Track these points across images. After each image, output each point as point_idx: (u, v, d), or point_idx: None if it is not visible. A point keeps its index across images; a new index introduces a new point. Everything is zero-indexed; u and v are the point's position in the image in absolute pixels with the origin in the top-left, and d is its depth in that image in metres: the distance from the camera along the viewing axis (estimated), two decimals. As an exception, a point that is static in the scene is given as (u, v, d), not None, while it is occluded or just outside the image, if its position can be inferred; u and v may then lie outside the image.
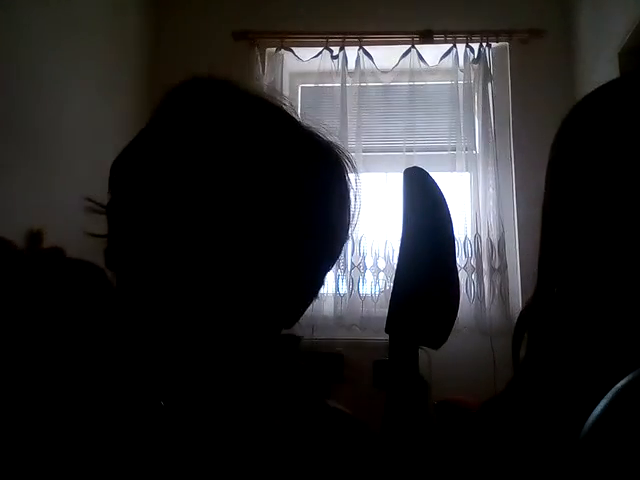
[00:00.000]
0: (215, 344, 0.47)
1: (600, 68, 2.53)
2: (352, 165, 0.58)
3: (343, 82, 2.94)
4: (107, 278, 0.52)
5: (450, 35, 2.92)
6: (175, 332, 0.46)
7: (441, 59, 2.94)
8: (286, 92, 2.97)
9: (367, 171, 2.82)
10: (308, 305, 0.57)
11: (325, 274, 0.58)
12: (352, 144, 2.87)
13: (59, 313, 0.46)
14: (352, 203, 0.58)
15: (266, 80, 2.93)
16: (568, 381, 0.56)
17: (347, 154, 0.58)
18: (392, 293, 1.14)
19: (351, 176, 0.57)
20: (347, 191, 0.57)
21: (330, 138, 0.57)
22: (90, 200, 0.53)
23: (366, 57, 2.95)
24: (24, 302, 0.45)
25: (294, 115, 0.54)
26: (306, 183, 0.52)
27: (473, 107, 2.91)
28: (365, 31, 2.94)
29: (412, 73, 2.94)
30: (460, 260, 2.69)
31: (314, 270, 0.57)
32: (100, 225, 0.54)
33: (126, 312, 0.49)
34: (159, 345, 0.47)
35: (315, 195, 0.53)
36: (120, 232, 0.51)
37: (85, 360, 0.46)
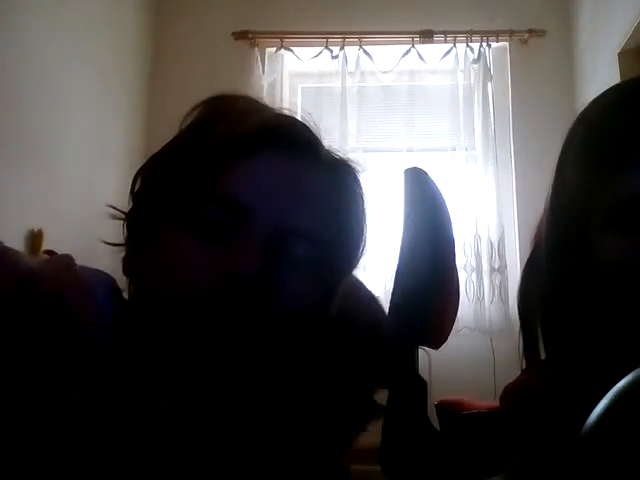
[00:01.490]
0: (219, 359, 0.47)
1: (600, 68, 2.53)
2: (362, 174, 0.59)
3: (343, 82, 2.93)
4: (117, 287, 0.52)
5: (450, 35, 2.92)
6: (184, 341, 0.46)
7: (441, 59, 2.94)
8: (286, 92, 2.97)
9: (367, 171, 2.81)
10: None
11: None
12: (352, 144, 2.86)
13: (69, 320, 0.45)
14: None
15: (266, 80, 2.93)
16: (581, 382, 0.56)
17: (360, 167, 0.59)
18: (392, 293, 1.14)
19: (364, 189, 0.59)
20: (366, 210, 0.59)
21: (340, 151, 0.58)
22: (111, 207, 0.54)
23: (366, 57, 2.95)
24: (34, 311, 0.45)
25: (319, 135, 0.55)
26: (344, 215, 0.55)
27: (473, 107, 2.91)
28: (365, 31, 2.93)
29: (412, 73, 2.94)
30: (460, 260, 2.69)
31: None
32: (102, 227, 0.55)
33: (138, 319, 0.49)
34: (166, 352, 0.47)
35: (350, 226, 0.56)
36: (141, 240, 0.51)
37: (90, 363, 0.45)
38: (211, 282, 0.45)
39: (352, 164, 0.58)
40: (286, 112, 0.56)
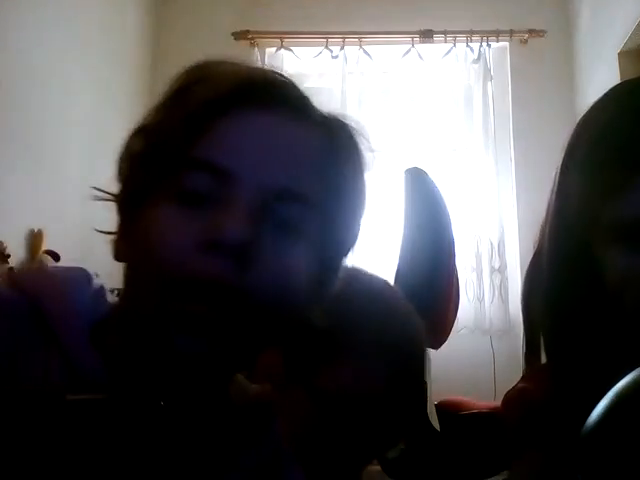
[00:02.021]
0: (216, 350, 0.45)
1: (600, 68, 2.53)
2: (366, 138, 0.54)
3: (343, 82, 2.94)
4: (98, 283, 0.51)
5: (450, 35, 2.92)
6: (170, 317, 0.43)
7: (441, 59, 2.94)
8: (286, 92, 2.97)
9: (365, 129, 2.81)
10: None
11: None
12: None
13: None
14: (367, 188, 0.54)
15: (266, 80, 2.93)
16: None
17: (360, 126, 0.54)
18: (392, 293, 1.14)
19: (366, 154, 0.54)
20: (364, 171, 0.54)
21: (340, 114, 0.53)
22: (97, 189, 0.51)
23: (366, 57, 2.95)
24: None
25: (306, 93, 0.51)
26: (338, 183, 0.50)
27: (473, 107, 2.91)
28: (365, 31, 2.93)
29: (412, 73, 2.94)
30: (460, 260, 2.69)
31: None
32: (102, 227, 0.53)
33: (128, 307, 0.48)
34: (152, 336, 0.44)
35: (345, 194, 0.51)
36: (128, 220, 0.49)
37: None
38: (193, 251, 0.43)
39: (348, 121, 0.53)
40: (268, 69, 0.52)
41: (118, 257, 0.49)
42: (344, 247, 0.54)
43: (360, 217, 0.54)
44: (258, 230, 0.44)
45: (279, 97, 0.48)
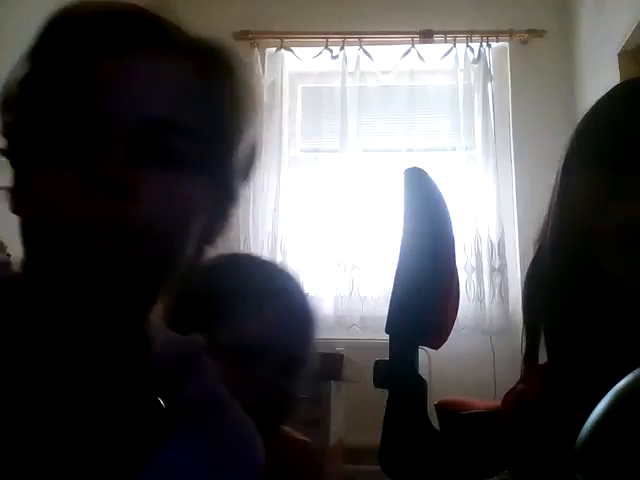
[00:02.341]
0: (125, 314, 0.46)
1: (600, 68, 2.53)
2: (245, 64, 0.55)
3: (343, 82, 2.94)
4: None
5: (450, 35, 2.92)
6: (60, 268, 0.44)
7: (441, 59, 2.94)
8: (286, 92, 2.97)
9: (367, 171, 2.82)
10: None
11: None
12: (352, 144, 2.86)
13: None
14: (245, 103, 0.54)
15: (266, 80, 2.93)
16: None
17: (234, 52, 0.54)
18: (392, 293, 1.14)
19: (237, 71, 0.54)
20: (246, 98, 0.53)
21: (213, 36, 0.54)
22: None
23: (366, 57, 2.95)
24: None
25: (172, 21, 0.52)
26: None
27: (473, 107, 2.91)
28: (365, 31, 2.94)
29: (412, 73, 2.94)
30: (460, 260, 2.69)
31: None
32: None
33: (26, 262, 0.49)
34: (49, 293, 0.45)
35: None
36: (21, 175, 0.49)
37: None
38: (74, 195, 0.43)
39: (221, 47, 0.53)
40: (133, 6, 0.52)
41: (15, 210, 0.49)
42: (235, 175, 0.54)
43: (249, 145, 0.54)
44: (137, 165, 0.44)
45: (145, 32, 0.49)
